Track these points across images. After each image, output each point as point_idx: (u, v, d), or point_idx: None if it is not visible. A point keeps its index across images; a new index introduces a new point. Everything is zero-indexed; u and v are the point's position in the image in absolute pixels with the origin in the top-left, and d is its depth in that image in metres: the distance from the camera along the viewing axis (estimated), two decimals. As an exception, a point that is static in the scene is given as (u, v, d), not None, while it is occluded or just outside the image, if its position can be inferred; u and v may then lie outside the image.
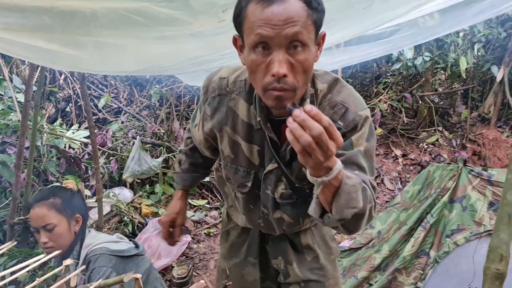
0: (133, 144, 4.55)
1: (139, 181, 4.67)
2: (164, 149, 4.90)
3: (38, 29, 1.37)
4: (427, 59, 5.18)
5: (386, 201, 5.02)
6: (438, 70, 6.21)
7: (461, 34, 5.08)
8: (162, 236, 1.86)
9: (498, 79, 5.45)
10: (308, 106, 0.88)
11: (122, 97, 5.84)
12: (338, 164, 0.97)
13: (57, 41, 1.46)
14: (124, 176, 4.37)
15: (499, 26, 5.36)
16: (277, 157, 1.37)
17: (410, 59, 5.22)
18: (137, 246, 2.00)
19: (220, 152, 1.53)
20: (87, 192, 4.02)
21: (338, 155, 1.19)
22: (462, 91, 6.42)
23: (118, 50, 1.61)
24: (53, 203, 1.88)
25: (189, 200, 4.82)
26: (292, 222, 1.56)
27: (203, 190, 5.04)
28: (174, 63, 1.85)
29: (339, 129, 1.19)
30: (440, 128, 6.05)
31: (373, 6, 1.71)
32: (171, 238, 1.83)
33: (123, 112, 5.52)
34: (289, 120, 0.89)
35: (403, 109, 6.16)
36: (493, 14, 3.89)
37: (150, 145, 4.99)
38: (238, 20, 1.15)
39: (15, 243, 1.05)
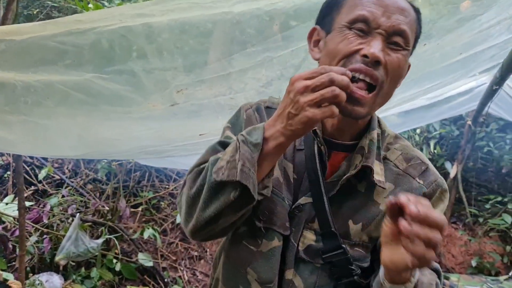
0: (72, 221, 4.14)
1: (74, 263, 4.20)
2: (106, 229, 4.48)
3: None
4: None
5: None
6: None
7: (418, 131, 5.20)
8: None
9: (452, 175, 5.51)
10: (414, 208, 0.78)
11: (67, 168, 5.45)
12: None
13: (-25, 118, 1.20)
14: (57, 258, 3.90)
15: (452, 124, 5.55)
16: (322, 187, 1.06)
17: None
18: None
19: None
20: (10, 277, 3.54)
21: None
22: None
23: (53, 132, 1.37)
24: None
25: (128, 287, 4.39)
26: None
27: (145, 276, 4.60)
28: (121, 151, 1.61)
29: (419, 188, 1.08)
30: (395, 221, 6.00)
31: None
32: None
33: (66, 184, 5.10)
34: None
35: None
36: (451, 114, 4.01)
37: (90, 223, 4.57)
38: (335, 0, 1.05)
39: None
